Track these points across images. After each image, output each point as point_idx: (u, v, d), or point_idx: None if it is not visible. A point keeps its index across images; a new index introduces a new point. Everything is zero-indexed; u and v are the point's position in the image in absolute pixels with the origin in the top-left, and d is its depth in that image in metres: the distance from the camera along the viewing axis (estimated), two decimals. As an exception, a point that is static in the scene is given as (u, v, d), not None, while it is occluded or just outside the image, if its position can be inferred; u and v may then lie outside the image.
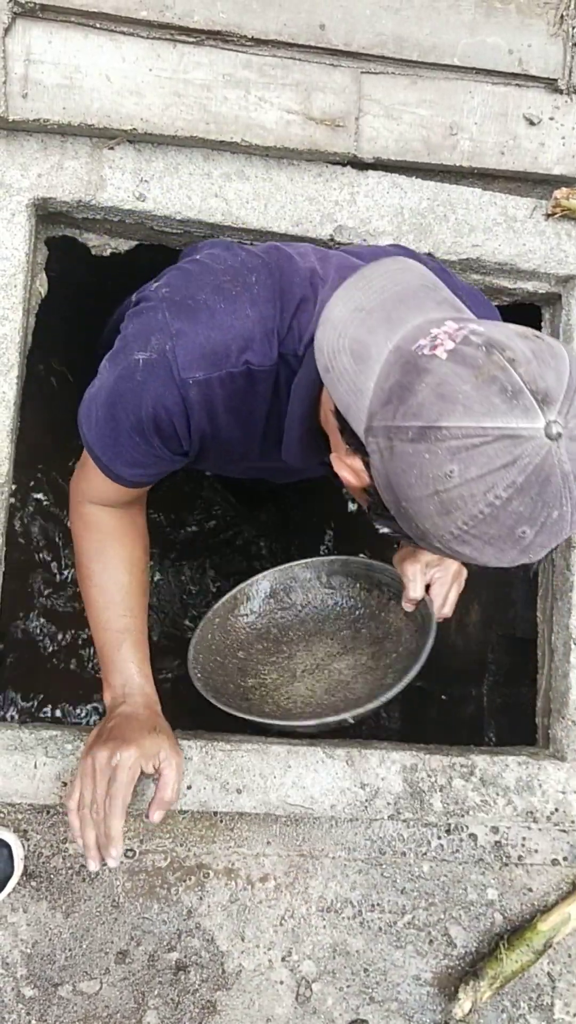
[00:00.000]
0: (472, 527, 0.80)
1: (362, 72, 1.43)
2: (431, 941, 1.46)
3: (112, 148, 1.39)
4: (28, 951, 1.34)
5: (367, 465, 0.89)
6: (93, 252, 1.51)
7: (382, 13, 1.43)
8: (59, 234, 1.48)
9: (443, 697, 2.39)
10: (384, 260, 0.95)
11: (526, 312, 1.70)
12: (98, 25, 1.35)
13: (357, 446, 0.90)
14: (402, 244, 1.39)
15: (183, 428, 1.07)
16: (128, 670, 1.28)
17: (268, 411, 1.11)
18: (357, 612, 1.64)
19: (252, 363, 1.05)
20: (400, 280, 0.92)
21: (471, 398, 0.77)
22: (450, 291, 0.94)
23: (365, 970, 1.43)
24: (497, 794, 1.46)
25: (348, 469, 0.93)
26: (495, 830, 1.49)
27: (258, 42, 1.39)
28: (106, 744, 1.19)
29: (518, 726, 2.11)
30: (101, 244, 1.51)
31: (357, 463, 0.91)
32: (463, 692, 2.34)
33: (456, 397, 0.77)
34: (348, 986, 1.42)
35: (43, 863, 1.35)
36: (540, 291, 1.59)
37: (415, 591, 1.40)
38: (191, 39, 1.37)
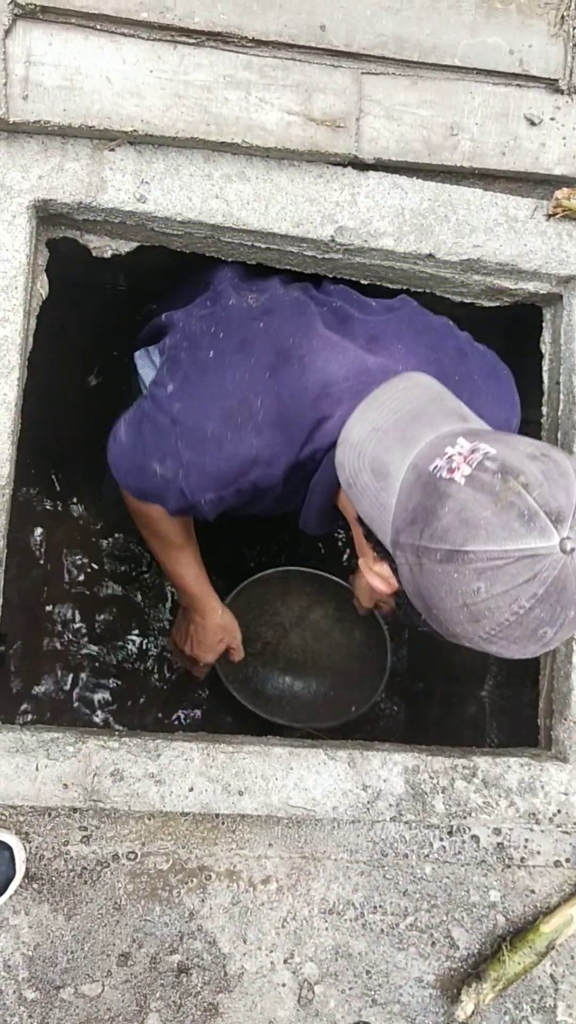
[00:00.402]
0: (499, 632, 0.90)
1: (363, 73, 1.43)
2: (433, 943, 1.45)
3: (113, 150, 1.39)
4: (30, 953, 1.33)
5: (394, 570, 0.99)
6: (94, 254, 1.51)
7: (383, 14, 1.43)
8: (60, 236, 1.48)
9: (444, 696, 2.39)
10: (394, 380, 1.05)
11: (528, 312, 1.70)
12: (99, 27, 1.35)
13: (384, 554, 1.00)
14: (408, 297, 1.44)
15: (199, 515, 1.30)
16: (205, 592, 1.70)
17: (279, 495, 1.24)
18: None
19: (258, 483, 1.18)
20: (409, 398, 1.02)
21: (492, 524, 0.86)
22: (455, 397, 1.05)
23: (367, 972, 1.43)
24: (499, 796, 1.45)
25: (377, 577, 1.04)
26: (497, 832, 1.49)
27: (259, 43, 1.38)
28: (200, 648, 1.78)
29: (521, 727, 2.11)
30: (102, 246, 1.51)
31: (385, 570, 1.01)
32: (465, 693, 2.33)
33: (479, 523, 0.87)
34: (350, 988, 1.42)
35: (45, 865, 1.34)
36: (541, 291, 1.59)
37: (366, 603, 1.49)
38: (192, 40, 1.37)
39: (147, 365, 1.56)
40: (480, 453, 0.90)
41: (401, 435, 0.98)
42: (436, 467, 0.92)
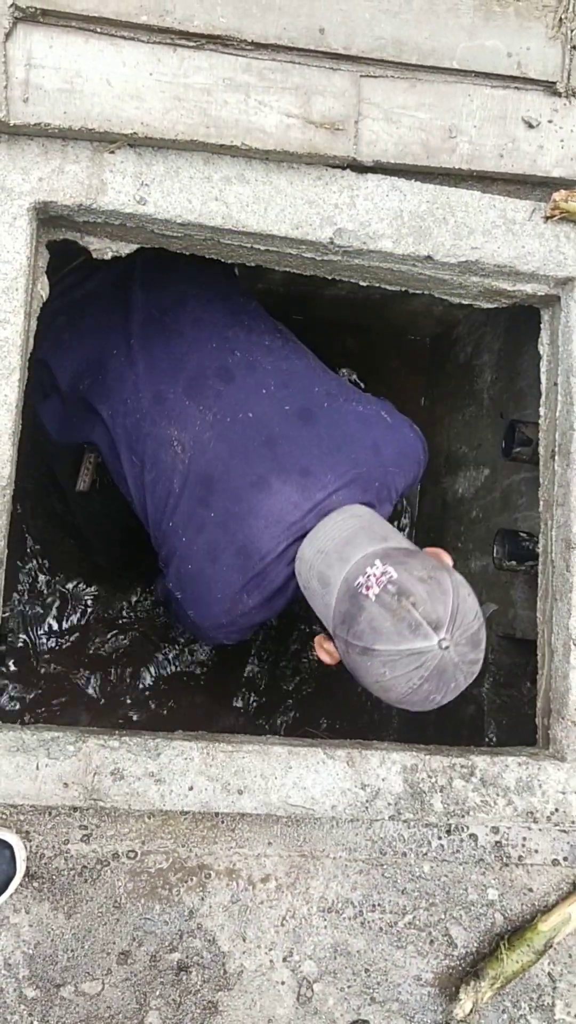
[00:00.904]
0: (403, 699, 1.28)
1: (361, 76, 1.44)
2: (432, 941, 1.46)
3: (113, 152, 1.40)
4: (30, 952, 1.34)
5: (337, 649, 1.36)
6: (94, 255, 1.52)
7: (381, 17, 1.43)
8: (60, 237, 1.49)
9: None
10: (334, 515, 1.41)
11: (526, 313, 1.71)
12: (99, 30, 1.35)
13: (330, 637, 1.38)
14: (390, 408, 1.67)
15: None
16: None
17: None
18: None
19: (253, 605, 1.50)
20: (346, 527, 1.39)
21: (391, 631, 1.23)
22: (383, 521, 1.43)
23: (366, 970, 1.44)
24: (497, 794, 1.46)
25: (326, 652, 1.41)
26: (495, 830, 1.50)
27: (258, 46, 1.39)
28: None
29: (519, 726, 2.12)
30: (102, 247, 1.52)
31: (331, 646, 1.38)
32: (463, 692, 2.34)
33: (382, 630, 1.24)
34: (349, 986, 1.43)
35: (45, 864, 1.35)
36: (539, 293, 1.60)
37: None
38: (191, 43, 1.38)
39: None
40: (386, 577, 1.26)
41: (339, 555, 1.35)
42: (359, 583, 1.29)
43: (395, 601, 1.23)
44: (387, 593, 1.24)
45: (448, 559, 1.40)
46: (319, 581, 1.35)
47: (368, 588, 1.26)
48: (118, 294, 1.68)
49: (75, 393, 1.67)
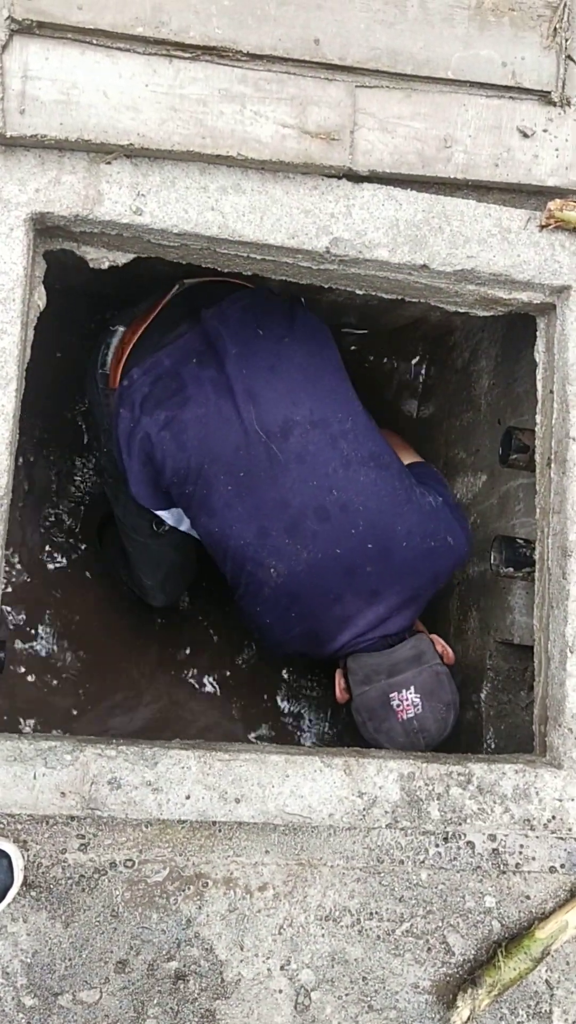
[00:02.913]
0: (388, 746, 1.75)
1: (357, 86, 1.45)
2: (429, 949, 1.46)
3: (109, 163, 1.41)
4: (28, 960, 1.34)
5: (352, 706, 1.81)
6: (91, 265, 1.52)
7: (376, 27, 1.44)
8: (57, 247, 1.49)
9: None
10: (398, 646, 1.78)
11: (524, 319, 1.71)
12: (95, 42, 1.36)
13: (348, 688, 1.82)
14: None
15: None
16: None
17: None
18: None
19: (303, 654, 1.91)
20: (396, 653, 1.77)
21: (400, 742, 1.74)
22: (426, 648, 1.80)
23: (364, 978, 1.44)
24: (494, 802, 1.46)
25: (339, 689, 1.85)
26: (492, 838, 1.50)
27: (253, 57, 1.40)
28: None
29: (518, 732, 2.12)
30: (99, 257, 1.52)
31: (343, 687, 1.85)
32: (462, 698, 2.34)
33: (394, 739, 1.74)
34: (347, 994, 1.43)
35: (43, 873, 1.35)
36: (535, 301, 1.60)
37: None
38: (187, 55, 1.38)
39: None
40: (414, 710, 1.72)
41: (388, 672, 1.76)
42: (392, 697, 1.73)
43: (413, 732, 1.73)
44: (410, 724, 1.72)
45: (449, 652, 1.85)
46: (364, 680, 1.76)
47: (400, 710, 1.72)
48: (223, 406, 1.72)
49: (178, 488, 1.77)
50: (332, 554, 1.70)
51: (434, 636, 1.87)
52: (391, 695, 1.72)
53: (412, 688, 1.71)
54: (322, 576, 1.71)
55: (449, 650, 1.86)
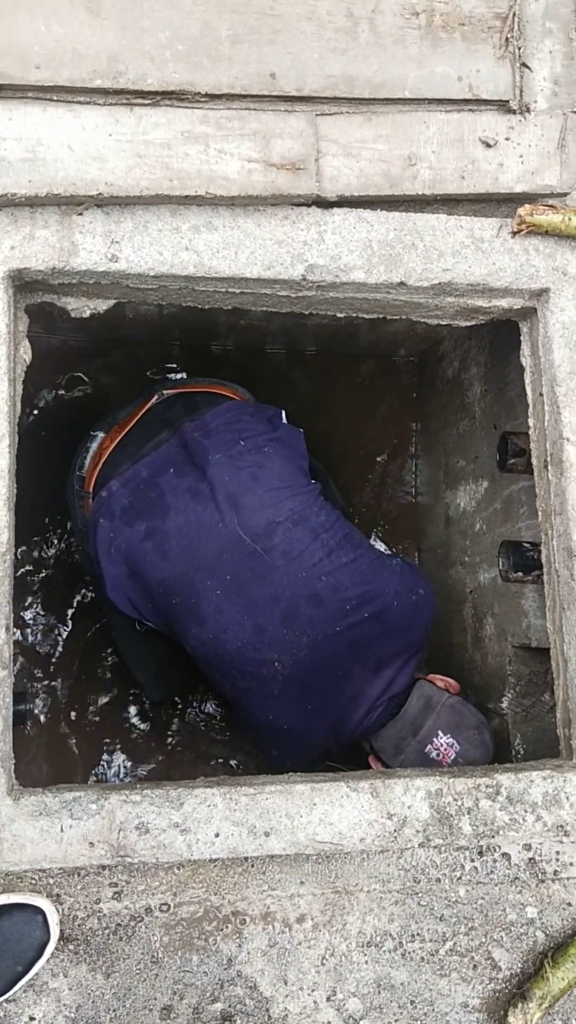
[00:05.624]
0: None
1: (317, 115, 1.46)
2: (475, 966, 1.45)
3: (81, 214, 1.43)
4: (72, 1015, 1.34)
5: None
6: (73, 315, 1.54)
7: (329, 55, 1.46)
8: (37, 301, 1.51)
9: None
10: (410, 700, 1.81)
11: (508, 324, 1.72)
12: (55, 98, 1.38)
13: (378, 760, 1.84)
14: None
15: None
16: None
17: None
18: None
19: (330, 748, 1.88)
20: (415, 712, 1.80)
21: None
22: (439, 690, 1.84)
23: (412, 1002, 1.42)
24: (525, 811, 1.45)
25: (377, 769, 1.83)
26: (527, 847, 1.49)
27: (212, 97, 1.42)
28: None
29: (545, 735, 2.10)
30: (80, 306, 1.54)
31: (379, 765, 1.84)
32: (485, 706, 2.33)
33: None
34: (396, 1020, 1.41)
35: (79, 925, 1.35)
36: (515, 307, 1.61)
37: None
38: (147, 101, 1.41)
39: None
40: (454, 751, 1.74)
41: (412, 728, 1.78)
42: (429, 751, 1.74)
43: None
44: (457, 765, 1.73)
45: (451, 683, 1.87)
46: (396, 751, 1.78)
47: (441, 758, 1.74)
48: (203, 513, 1.78)
49: (164, 600, 1.81)
50: (332, 632, 1.74)
51: (431, 676, 1.90)
52: (426, 750, 1.74)
53: (440, 732, 1.75)
54: (326, 655, 1.75)
55: (450, 680, 1.90)
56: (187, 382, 2.06)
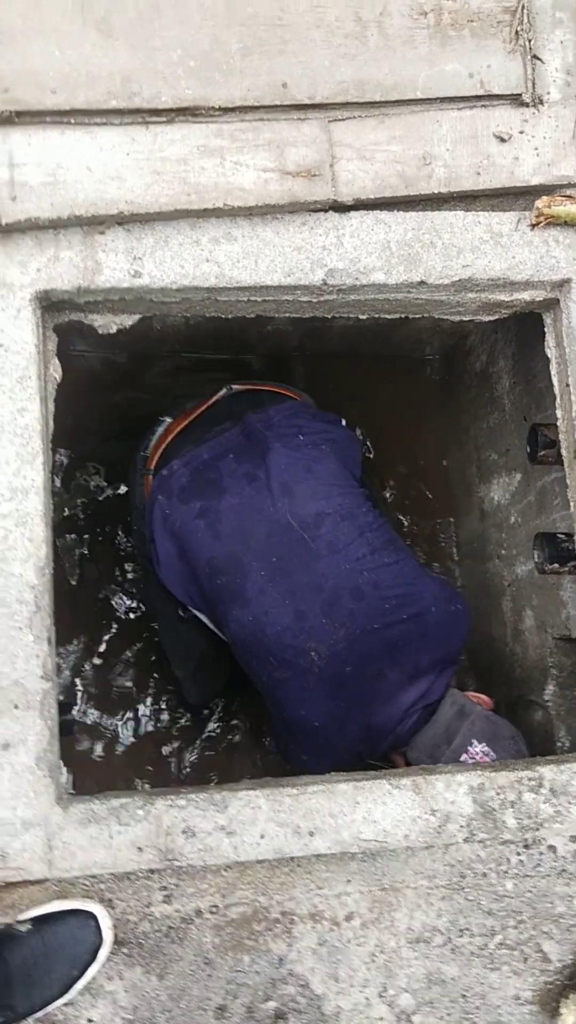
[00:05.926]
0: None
1: (330, 121, 1.48)
2: (525, 959, 1.45)
3: (103, 233, 1.45)
4: (129, 1017, 1.36)
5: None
6: (100, 331, 1.57)
7: (340, 61, 1.47)
8: (65, 320, 1.54)
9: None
10: (440, 708, 1.78)
11: (534, 316, 1.72)
12: (72, 121, 1.41)
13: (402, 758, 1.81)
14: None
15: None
16: None
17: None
18: None
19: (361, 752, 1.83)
20: (448, 716, 1.77)
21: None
22: (470, 704, 1.80)
23: (463, 996, 1.43)
24: (569, 802, 1.45)
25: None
26: (573, 839, 1.48)
27: (226, 110, 1.44)
28: None
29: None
30: (106, 323, 1.57)
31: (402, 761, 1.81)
32: (528, 699, 2.32)
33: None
34: (448, 1014, 1.42)
35: (131, 929, 1.38)
36: (537, 299, 1.61)
37: None
38: (162, 119, 1.43)
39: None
40: (489, 760, 1.67)
41: (447, 738, 1.73)
42: (464, 760, 1.68)
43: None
44: (486, 759, 1.69)
45: (484, 698, 1.85)
46: (432, 759, 1.72)
47: (473, 758, 1.70)
48: (256, 497, 1.84)
49: (210, 580, 1.84)
50: (371, 629, 1.75)
51: (466, 693, 1.89)
52: (462, 758, 1.71)
53: (475, 740, 1.72)
54: (363, 651, 1.75)
55: (483, 696, 1.88)
56: (254, 381, 2.13)
